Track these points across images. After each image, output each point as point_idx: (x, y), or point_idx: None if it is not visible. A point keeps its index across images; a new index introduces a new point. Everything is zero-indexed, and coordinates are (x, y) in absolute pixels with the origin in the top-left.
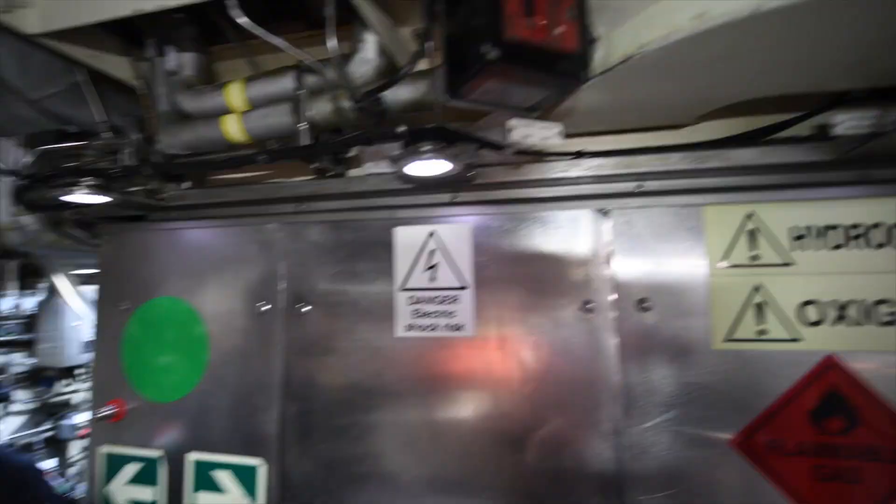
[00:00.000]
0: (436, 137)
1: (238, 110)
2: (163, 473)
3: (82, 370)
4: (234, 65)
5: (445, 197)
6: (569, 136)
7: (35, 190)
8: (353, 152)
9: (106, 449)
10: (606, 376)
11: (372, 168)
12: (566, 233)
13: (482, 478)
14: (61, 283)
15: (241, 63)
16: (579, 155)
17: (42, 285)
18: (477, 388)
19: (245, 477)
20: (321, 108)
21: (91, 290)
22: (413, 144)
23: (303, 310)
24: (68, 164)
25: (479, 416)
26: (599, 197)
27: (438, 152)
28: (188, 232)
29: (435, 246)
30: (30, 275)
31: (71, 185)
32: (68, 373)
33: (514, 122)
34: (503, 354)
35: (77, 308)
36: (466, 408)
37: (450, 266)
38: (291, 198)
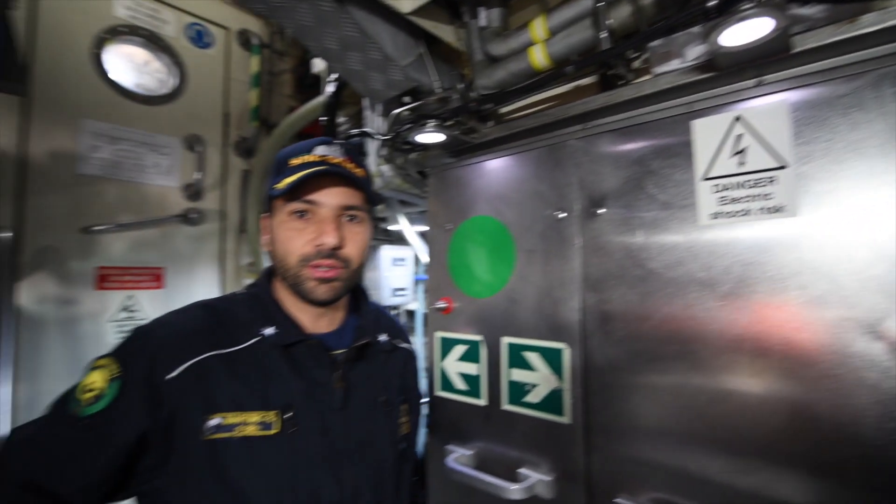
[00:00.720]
0: None
1: (541, 40)
2: (483, 353)
3: (392, 311)
4: (525, 13)
5: (750, 82)
6: None
7: (391, 144)
8: (640, 61)
9: (440, 334)
10: None
11: (663, 69)
12: None
13: (820, 362)
14: (401, 219)
15: (531, 10)
16: None
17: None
18: (804, 270)
19: (552, 358)
20: (619, 14)
21: (417, 229)
22: (728, 11)
23: (598, 212)
24: (419, 113)
25: (808, 302)
26: None
27: (763, 7)
28: (492, 162)
29: (742, 130)
30: None
31: (421, 127)
32: None
33: None
34: (843, 232)
35: (412, 240)
36: (789, 293)
37: (763, 147)
38: (580, 115)
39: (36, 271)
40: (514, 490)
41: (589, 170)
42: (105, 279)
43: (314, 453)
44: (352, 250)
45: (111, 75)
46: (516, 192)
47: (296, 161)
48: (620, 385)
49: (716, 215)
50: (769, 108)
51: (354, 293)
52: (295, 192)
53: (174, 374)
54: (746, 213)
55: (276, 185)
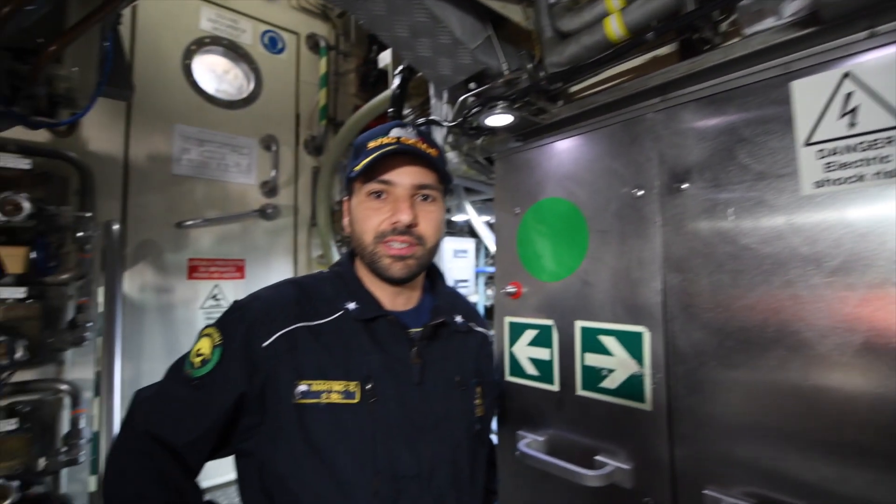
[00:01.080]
0: None
1: (617, 10)
2: (555, 337)
3: None
4: None
5: (861, 35)
6: None
7: (458, 131)
8: (727, 23)
9: (509, 319)
10: None
11: (755, 28)
12: None
13: None
14: (468, 207)
15: None
16: None
17: None
18: None
19: (629, 342)
20: None
21: (483, 219)
22: None
23: (682, 187)
24: (487, 96)
25: None
26: None
27: None
28: (562, 143)
29: (852, 88)
30: None
31: (490, 109)
32: None
33: None
34: None
35: (478, 227)
36: None
37: (879, 104)
38: (660, 87)
39: (138, 262)
40: (591, 477)
41: (670, 143)
42: (195, 270)
43: (392, 424)
44: (426, 228)
45: (200, 83)
46: (589, 171)
47: (373, 144)
48: (708, 371)
49: (821, 183)
50: (885, 61)
51: (430, 275)
52: (371, 174)
53: (268, 342)
54: (860, 178)
55: (354, 168)
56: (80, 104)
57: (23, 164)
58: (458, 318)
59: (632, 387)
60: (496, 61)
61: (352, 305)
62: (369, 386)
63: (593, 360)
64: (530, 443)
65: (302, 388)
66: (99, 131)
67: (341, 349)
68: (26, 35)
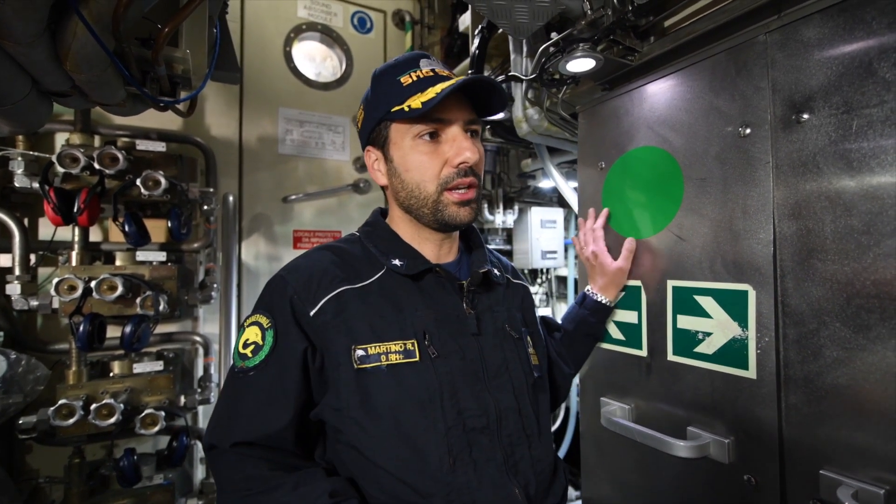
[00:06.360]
0: None
1: None
2: (643, 299)
3: (542, 275)
4: None
5: None
6: None
7: (538, 84)
8: None
9: None
10: None
11: None
12: None
13: None
14: (553, 170)
15: None
16: None
17: (515, 208)
18: None
19: (731, 302)
20: None
21: (565, 181)
22: None
23: (801, 118)
24: (569, 40)
25: None
26: None
27: None
28: (654, 86)
29: None
30: (508, 201)
31: (571, 53)
32: (534, 274)
33: None
34: None
35: (564, 191)
36: None
37: None
38: (775, 2)
39: (252, 234)
40: (683, 447)
41: (787, 68)
42: (299, 240)
43: (456, 377)
44: (481, 166)
45: (299, 68)
46: (685, 113)
47: (408, 79)
48: (829, 334)
49: None
50: None
51: None
52: (423, 113)
53: (315, 309)
54: None
55: (399, 107)
56: (196, 86)
57: (159, 147)
58: (496, 270)
59: (733, 352)
60: (577, 1)
61: (396, 262)
62: (427, 342)
63: (687, 322)
64: (614, 410)
65: (359, 353)
66: (219, 118)
67: (391, 308)
68: (150, 23)
